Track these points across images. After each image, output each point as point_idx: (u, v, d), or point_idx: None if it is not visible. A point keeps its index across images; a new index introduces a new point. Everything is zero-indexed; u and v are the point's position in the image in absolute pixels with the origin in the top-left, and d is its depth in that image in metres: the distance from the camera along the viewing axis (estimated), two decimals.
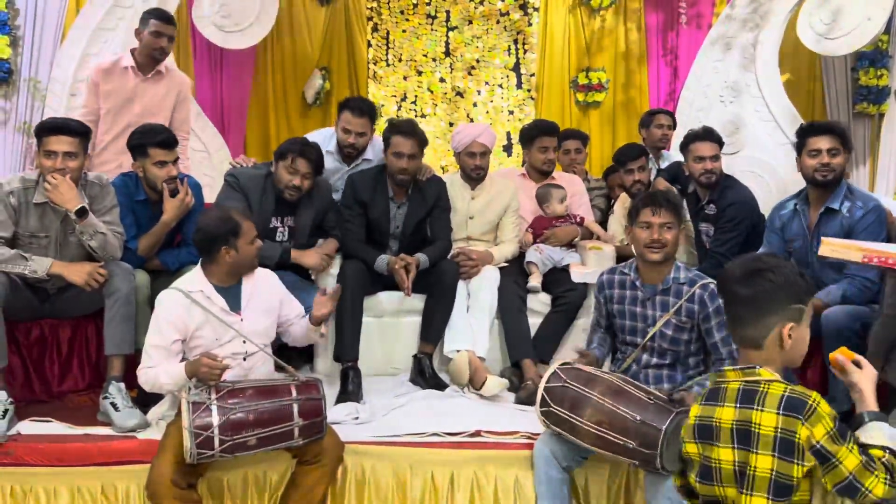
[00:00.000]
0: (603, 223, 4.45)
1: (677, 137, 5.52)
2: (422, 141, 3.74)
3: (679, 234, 2.80)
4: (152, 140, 3.38)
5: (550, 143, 4.20)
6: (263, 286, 2.94)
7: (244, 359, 2.82)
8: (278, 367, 2.90)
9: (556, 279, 3.87)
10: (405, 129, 3.71)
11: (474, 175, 4.03)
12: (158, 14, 4.11)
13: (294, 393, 2.64)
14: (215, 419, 2.51)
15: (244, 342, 2.81)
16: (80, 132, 3.16)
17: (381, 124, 6.07)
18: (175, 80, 4.29)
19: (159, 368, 2.70)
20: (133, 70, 4.12)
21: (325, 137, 4.04)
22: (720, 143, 3.98)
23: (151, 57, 4.12)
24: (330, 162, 3.95)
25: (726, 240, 3.76)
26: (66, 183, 3.06)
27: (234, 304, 2.83)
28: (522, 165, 4.56)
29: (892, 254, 2.70)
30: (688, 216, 4.11)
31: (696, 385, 2.64)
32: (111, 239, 3.15)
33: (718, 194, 3.92)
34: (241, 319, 2.82)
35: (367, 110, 3.97)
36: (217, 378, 2.56)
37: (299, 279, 3.57)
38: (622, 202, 4.40)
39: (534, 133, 4.22)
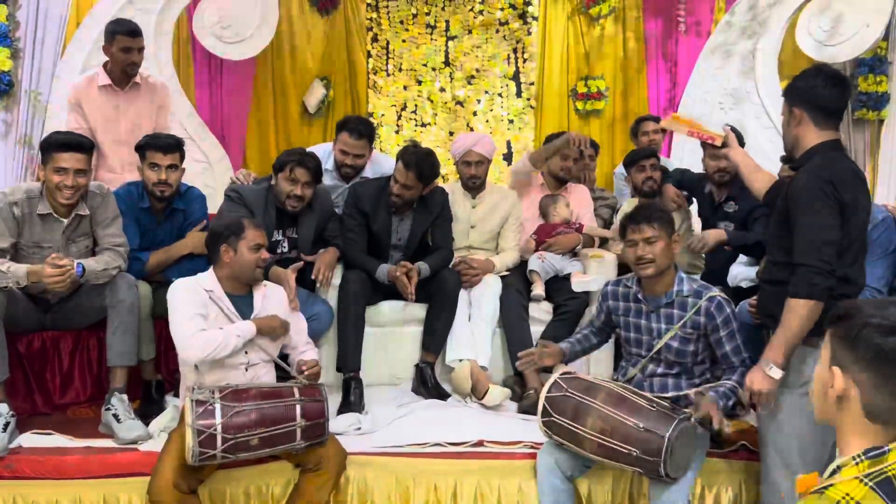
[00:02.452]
0: None
1: (677, 145, 5.58)
2: (422, 175, 3.65)
3: (670, 243, 2.75)
4: (153, 142, 3.44)
5: (573, 153, 4.18)
6: (274, 301, 2.94)
7: (246, 369, 2.82)
8: (281, 378, 2.90)
9: (558, 288, 3.87)
10: (408, 159, 3.63)
11: (470, 184, 4.03)
12: (124, 29, 3.95)
13: (297, 394, 2.66)
14: (218, 417, 2.51)
15: (246, 352, 2.80)
16: (89, 148, 3.17)
17: (386, 135, 6.12)
18: (153, 89, 4.19)
19: (225, 329, 2.69)
20: (110, 88, 4.03)
21: (323, 154, 3.95)
22: (740, 143, 3.93)
23: (125, 72, 4.01)
24: (328, 180, 3.92)
25: (767, 225, 3.68)
26: (65, 276, 2.95)
27: (244, 313, 2.84)
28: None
29: (711, 132, 2.94)
30: (692, 221, 4.11)
31: (711, 390, 2.63)
32: (111, 269, 3.13)
33: (738, 191, 3.88)
34: None
35: (366, 132, 3.92)
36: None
37: (301, 290, 3.55)
38: (626, 210, 4.38)
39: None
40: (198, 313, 2.72)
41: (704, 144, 3.16)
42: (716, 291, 2.76)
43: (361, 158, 3.96)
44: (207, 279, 2.85)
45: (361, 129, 3.91)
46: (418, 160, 3.64)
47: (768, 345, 2.40)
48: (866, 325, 1.35)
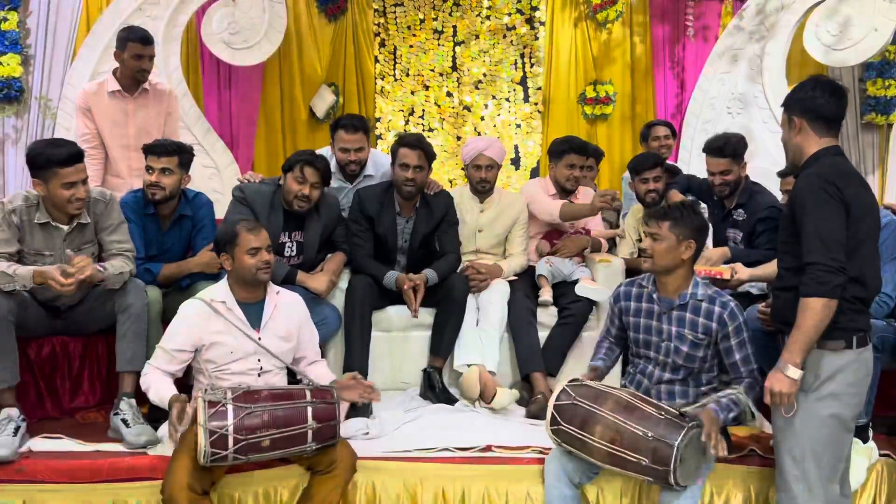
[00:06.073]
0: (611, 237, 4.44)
1: (685, 150, 5.57)
2: (428, 153, 3.75)
3: (677, 247, 2.71)
4: (152, 145, 3.52)
5: (579, 160, 4.13)
6: (286, 310, 2.94)
7: (258, 374, 2.84)
8: (293, 383, 2.91)
9: (564, 291, 3.86)
10: (411, 141, 3.74)
11: (480, 188, 4.04)
12: (137, 36, 3.97)
13: (308, 396, 2.66)
14: (230, 418, 2.52)
15: (258, 360, 2.82)
16: (82, 155, 3.13)
17: (393, 140, 6.13)
18: (162, 95, 4.20)
19: (155, 377, 2.80)
20: (119, 94, 4.05)
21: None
22: (733, 156, 3.81)
23: (134, 79, 4.04)
24: (332, 182, 3.94)
25: (771, 238, 3.66)
26: (85, 273, 2.96)
27: (255, 321, 2.86)
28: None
29: (716, 268, 3.14)
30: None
31: (712, 403, 2.62)
32: (124, 274, 3.16)
33: (748, 199, 3.86)
34: (259, 338, 2.84)
35: (360, 125, 3.98)
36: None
37: (308, 294, 3.56)
38: (633, 215, 4.38)
39: (564, 148, 4.13)
40: (171, 350, 2.82)
41: (714, 280, 3.09)
42: (729, 298, 2.75)
43: (362, 152, 4.01)
44: (220, 291, 2.88)
45: (356, 123, 3.98)
46: (419, 139, 3.79)
47: (785, 347, 2.42)
48: None
